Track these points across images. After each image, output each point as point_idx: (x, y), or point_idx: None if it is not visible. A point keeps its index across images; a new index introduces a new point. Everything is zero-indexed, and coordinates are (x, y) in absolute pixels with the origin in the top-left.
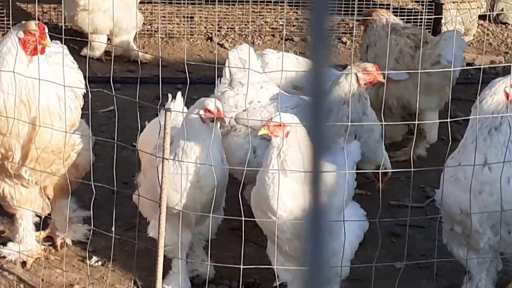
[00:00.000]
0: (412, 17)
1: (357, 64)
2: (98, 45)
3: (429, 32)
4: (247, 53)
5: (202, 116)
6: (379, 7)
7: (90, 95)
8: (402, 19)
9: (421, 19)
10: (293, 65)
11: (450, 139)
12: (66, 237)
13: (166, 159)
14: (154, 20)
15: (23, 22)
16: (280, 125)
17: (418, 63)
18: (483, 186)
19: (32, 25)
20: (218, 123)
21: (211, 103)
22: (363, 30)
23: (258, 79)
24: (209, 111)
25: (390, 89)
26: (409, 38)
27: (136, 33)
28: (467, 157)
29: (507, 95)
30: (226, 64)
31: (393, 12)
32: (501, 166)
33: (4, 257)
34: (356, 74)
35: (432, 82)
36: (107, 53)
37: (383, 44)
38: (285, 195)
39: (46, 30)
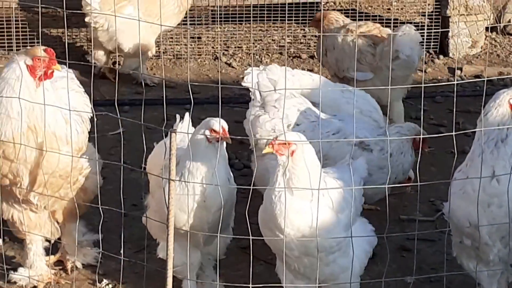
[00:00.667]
0: (419, 31)
1: None
2: (100, 57)
3: (437, 45)
4: (276, 73)
5: (207, 136)
6: (386, 22)
7: (96, 118)
8: None
9: (428, 32)
10: (308, 82)
11: (456, 152)
12: (76, 261)
13: (172, 180)
14: (162, 41)
15: (28, 48)
16: (285, 143)
17: (379, 61)
18: (492, 198)
19: (40, 51)
20: (224, 143)
21: (216, 123)
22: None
23: (294, 101)
24: (214, 131)
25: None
26: (366, 36)
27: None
28: (475, 170)
29: (511, 107)
30: (254, 87)
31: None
32: (509, 178)
33: (15, 282)
34: None
35: (396, 76)
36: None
37: (341, 47)
38: (292, 213)
39: (55, 56)
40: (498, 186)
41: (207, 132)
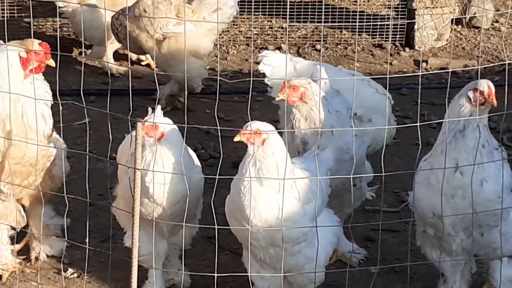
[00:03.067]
0: (385, 23)
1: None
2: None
3: (403, 37)
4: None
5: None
6: (352, 14)
7: (61, 108)
8: (375, 25)
9: (394, 25)
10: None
11: (420, 143)
12: (42, 252)
13: (138, 169)
14: None
15: (23, 40)
16: (256, 132)
17: (197, 18)
18: (455, 190)
19: (35, 44)
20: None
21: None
22: None
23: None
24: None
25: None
26: None
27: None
28: (439, 160)
29: (470, 100)
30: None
31: (367, 18)
32: (475, 170)
33: None
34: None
35: (213, 27)
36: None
37: None
38: (260, 205)
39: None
40: (462, 178)
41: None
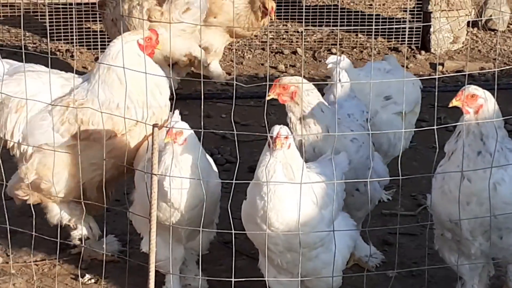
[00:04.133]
0: (401, 26)
1: None
2: None
3: (418, 40)
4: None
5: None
6: (368, 18)
7: None
8: (391, 28)
9: (410, 28)
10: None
11: (437, 146)
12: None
13: (155, 174)
14: None
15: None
16: (286, 137)
17: (168, 16)
18: (469, 197)
19: (146, 31)
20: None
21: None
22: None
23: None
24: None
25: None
26: None
27: None
28: (447, 168)
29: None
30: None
31: (382, 22)
32: (480, 176)
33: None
34: None
35: (186, 27)
36: None
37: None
38: (285, 207)
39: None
40: (471, 185)
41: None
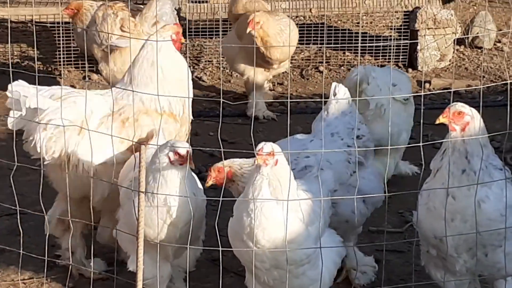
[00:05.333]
0: (388, 44)
1: None
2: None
3: (406, 58)
4: None
5: (171, 158)
6: (355, 36)
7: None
8: (378, 46)
9: (397, 46)
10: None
11: (424, 163)
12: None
13: (142, 192)
14: None
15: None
16: (270, 153)
17: (137, 32)
18: (453, 214)
19: (173, 26)
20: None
21: (182, 148)
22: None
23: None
24: (179, 155)
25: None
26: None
27: None
28: (432, 185)
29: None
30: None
31: (370, 40)
32: (465, 193)
33: None
34: None
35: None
36: None
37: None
38: (271, 225)
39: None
40: (455, 202)
41: (171, 155)
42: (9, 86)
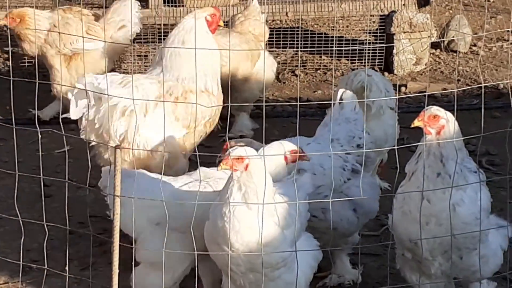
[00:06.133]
0: (365, 48)
1: None
2: None
3: (382, 62)
4: None
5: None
6: (331, 40)
7: (40, 135)
8: (354, 50)
9: (373, 49)
10: None
11: (398, 167)
12: None
13: (117, 196)
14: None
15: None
16: (239, 158)
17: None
18: (428, 217)
19: (211, 8)
20: None
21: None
22: None
23: None
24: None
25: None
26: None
27: None
28: (407, 189)
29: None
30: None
31: (346, 43)
32: (439, 197)
33: None
34: None
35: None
36: None
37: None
38: (243, 228)
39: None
40: (430, 205)
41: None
42: (80, 79)
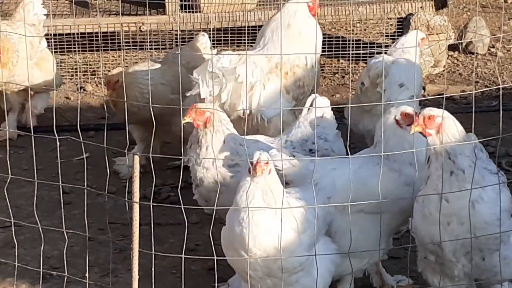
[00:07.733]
0: (382, 51)
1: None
2: None
3: None
4: None
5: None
6: (349, 43)
7: (58, 143)
8: (372, 53)
9: None
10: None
11: (416, 168)
12: None
13: (136, 202)
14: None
15: None
16: (266, 162)
17: None
18: (449, 217)
19: None
20: None
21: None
22: None
23: None
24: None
25: None
26: None
27: None
28: (424, 191)
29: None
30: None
31: (363, 46)
32: (457, 195)
33: None
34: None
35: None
36: None
37: None
38: (261, 233)
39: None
40: (448, 205)
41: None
42: (209, 62)
